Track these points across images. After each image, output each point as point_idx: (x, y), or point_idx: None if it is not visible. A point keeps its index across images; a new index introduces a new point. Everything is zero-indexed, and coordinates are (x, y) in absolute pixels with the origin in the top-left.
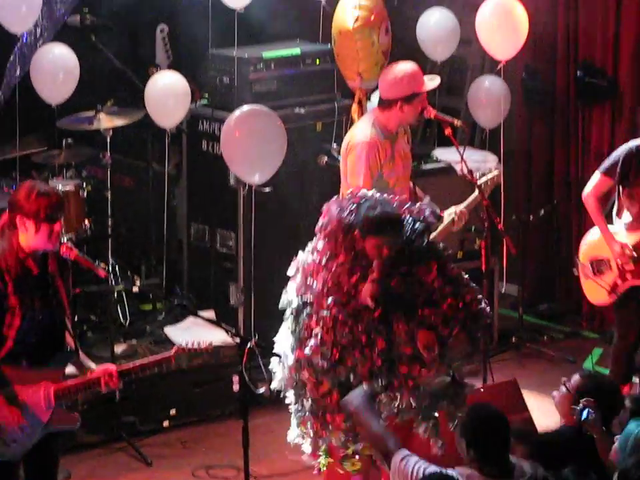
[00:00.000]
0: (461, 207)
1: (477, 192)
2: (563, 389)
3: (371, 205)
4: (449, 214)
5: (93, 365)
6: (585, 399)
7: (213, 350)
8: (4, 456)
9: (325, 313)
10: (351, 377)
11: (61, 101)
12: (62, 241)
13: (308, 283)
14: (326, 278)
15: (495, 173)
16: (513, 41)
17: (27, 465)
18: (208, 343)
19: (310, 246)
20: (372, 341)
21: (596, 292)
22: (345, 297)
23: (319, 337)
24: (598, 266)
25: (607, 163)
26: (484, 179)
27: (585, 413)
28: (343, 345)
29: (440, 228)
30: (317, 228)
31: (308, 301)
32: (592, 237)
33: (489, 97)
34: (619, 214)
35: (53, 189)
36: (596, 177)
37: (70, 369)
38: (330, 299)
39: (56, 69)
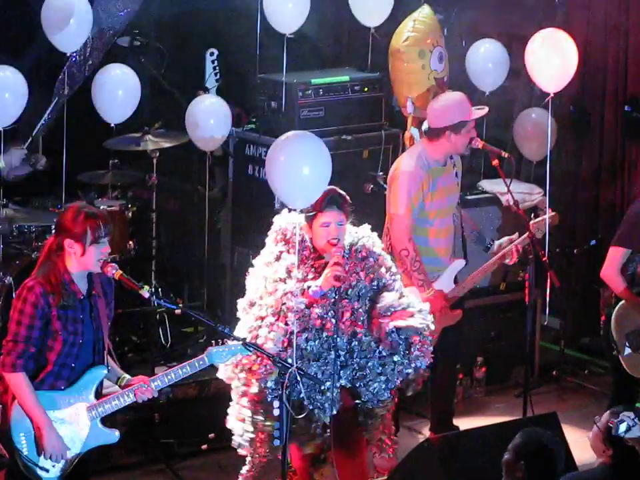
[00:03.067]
0: (513, 243)
1: (527, 233)
2: (595, 428)
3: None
4: (499, 245)
5: (128, 376)
6: (623, 413)
7: (247, 345)
8: (52, 476)
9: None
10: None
11: (120, 121)
12: (107, 261)
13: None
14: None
15: (551, 214)
16: (562, 74)
17: None
18: (238, 340)
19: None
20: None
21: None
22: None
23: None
24: (636, 339)
25: (620, 233)
26: (538, 219)
27: (623, 426)
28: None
29: (493, 259)
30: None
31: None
32: (620, 312)
33: (535, 130)
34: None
35: (100, 211)
36: (613, 252)
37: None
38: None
39: (116, 88)
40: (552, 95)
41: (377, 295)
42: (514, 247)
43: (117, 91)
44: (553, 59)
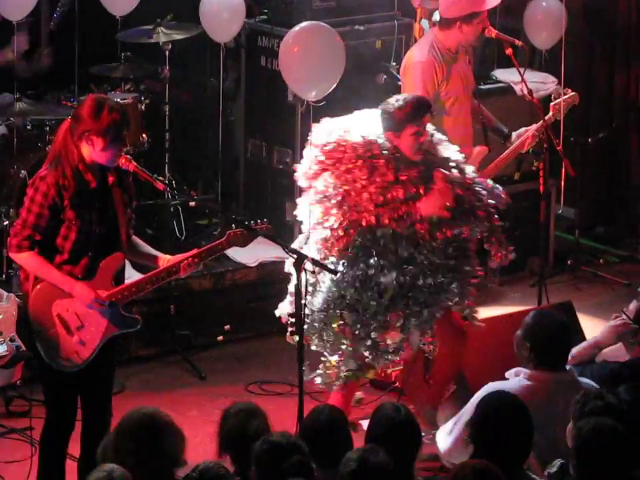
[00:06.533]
0: (530, 129)
1: (549, 113)
2: (623, 316)
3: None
4: (518, 134)
5: (167, 256)
6: None
7: (269, 229)
8: (74, 366)
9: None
10: None
11: (125, 13)
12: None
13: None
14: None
15: (572, 94)
16: None
17: (83, 377)
18: (263, 223)
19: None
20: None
21: None
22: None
23: None
24: None
25: None
26: (559, 100)
27: None
28: None
29: (511, 148)
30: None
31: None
32: None
33: (545, 18)
34: None
35: (120, 105)
36: None
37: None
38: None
39: None
40: None
41: None
42: (529, 133)
43: None
44: None
